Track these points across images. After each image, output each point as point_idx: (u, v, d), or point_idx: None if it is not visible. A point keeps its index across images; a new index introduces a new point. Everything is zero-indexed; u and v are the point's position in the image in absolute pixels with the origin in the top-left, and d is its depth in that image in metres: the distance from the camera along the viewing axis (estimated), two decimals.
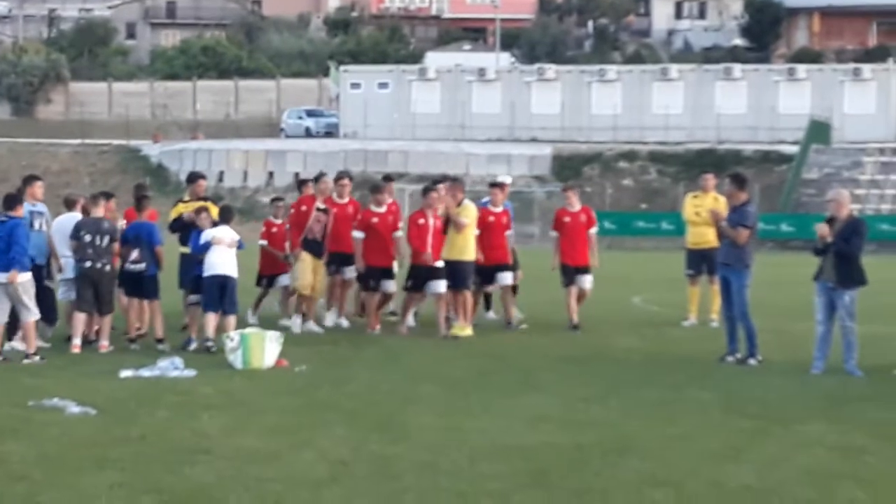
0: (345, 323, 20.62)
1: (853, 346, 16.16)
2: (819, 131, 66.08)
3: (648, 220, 60.22)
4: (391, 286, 20.11)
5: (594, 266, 20.91)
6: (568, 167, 67.19)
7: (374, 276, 19.75)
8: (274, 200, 22.21)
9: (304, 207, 19.91)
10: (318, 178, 20.68)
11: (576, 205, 20.94)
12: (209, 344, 17.21)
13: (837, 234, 16.01)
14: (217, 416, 12.41)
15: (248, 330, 16.51)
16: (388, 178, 22.12)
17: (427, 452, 10.85)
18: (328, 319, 20.57)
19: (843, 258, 16.01)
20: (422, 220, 19.34)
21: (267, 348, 16.00)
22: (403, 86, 75.46)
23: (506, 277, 20.52)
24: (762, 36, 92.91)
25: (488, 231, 20.15)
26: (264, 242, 21.00)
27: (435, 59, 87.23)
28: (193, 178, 20.35)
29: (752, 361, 16.90)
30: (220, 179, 69.74)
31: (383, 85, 75.79)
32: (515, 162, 69.17)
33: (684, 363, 16.97)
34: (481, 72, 74.96)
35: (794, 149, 65.20)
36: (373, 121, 73.53)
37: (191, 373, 15.18)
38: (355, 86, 76.08)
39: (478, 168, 67.88)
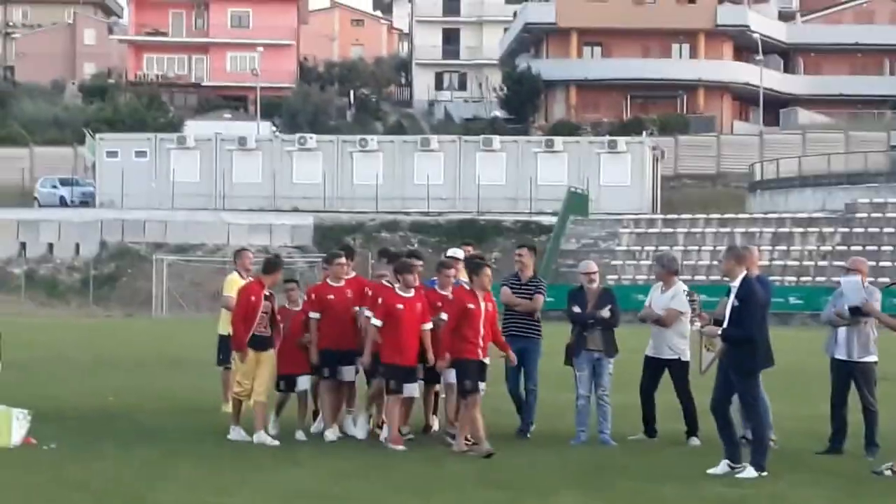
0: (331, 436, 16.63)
1: (608, 416, 16.41)
2: (576, 202, 67.54)
3: None
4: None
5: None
6: (330, 237, 67.16)
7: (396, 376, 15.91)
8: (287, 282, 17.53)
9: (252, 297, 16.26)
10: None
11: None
12: None
13: (595, 305, 16.33)
14: None
15: None
16: (413, 254, 17.76)
17: None
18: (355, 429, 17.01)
19: (609, 328, 16.36)
20: (472, 305, 15.61)
21: (14, 426, 15.44)
22: (162, 154, 74.54)
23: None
24: (521, 108, 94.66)
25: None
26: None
27: (194, 128, 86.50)
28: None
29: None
30: None
31: (141, 153, 74.67)
32: (277, 232, 68.99)
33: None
34: (242, 140, 74.56)
35: (552, 219, 66.44)
36: (130, 190, 72.35)
37: None
38: (112, 154, 74.76)
39: (239, 238, 67.43)
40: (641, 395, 16.82)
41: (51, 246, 69.58)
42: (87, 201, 75.18)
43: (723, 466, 13.76)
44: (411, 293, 15.83)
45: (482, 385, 15.55)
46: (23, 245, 69.34)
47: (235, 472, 13.53)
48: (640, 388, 16.84)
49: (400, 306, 15.69)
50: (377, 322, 15.78)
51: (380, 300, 15.89)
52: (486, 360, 15.57)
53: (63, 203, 74.96)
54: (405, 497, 12.19)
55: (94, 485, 12.69)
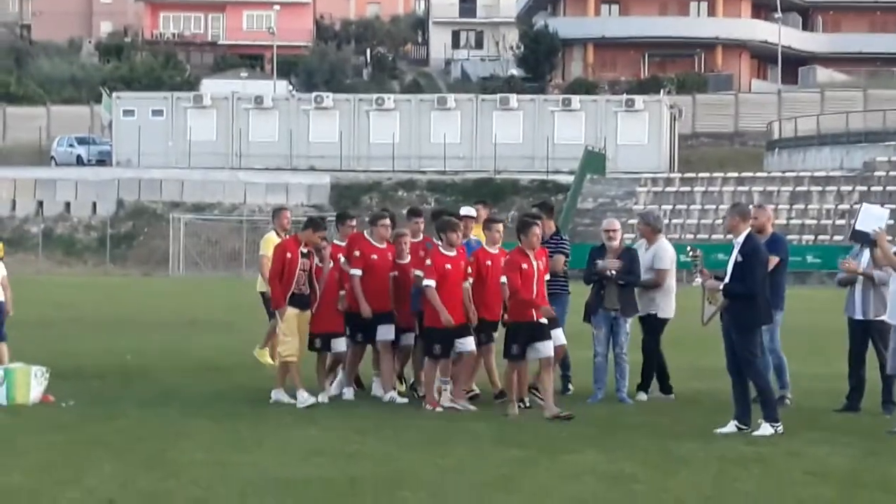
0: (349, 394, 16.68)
1: (626, 374, 16.42)
2: (593, 161, 67.38)
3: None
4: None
5: None
6: (347, 196, 67.23)
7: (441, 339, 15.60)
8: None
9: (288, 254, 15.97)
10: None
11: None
12: None
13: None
14: None
15: (12, 365, 15.98)
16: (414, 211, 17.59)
17: (197, 488, 10.60)
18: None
19: (625, 286, 16.31)
20: (525, 265, 15.16)
21: (33, 383, 15.53)
22: (178, 113, 74.49)
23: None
24: (538, 66, 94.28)
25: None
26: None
27: (211, 86, 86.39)
28: None
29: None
30: None
31: (158, 112, 74.63)
32: (293, 191, 68.96)
33: None
34: (258, 99, 74.47)
35: (569, 178, 66.32)
36: (147, 148, 72.37)
37: None
38: (128, 113, 74.74)
39: (255, 197, 67.56)
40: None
41: (68, 205, 69.69)
42: (103, 160, 75.22)
43: (731, 426, 13.79)
44: (454, 252, 15.59)
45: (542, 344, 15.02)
46: (40, 204, 69.46)
47: (253, 431, 13.57)
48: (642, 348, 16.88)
49: (448, 266, 15.43)
50: (431, 282, 15.38)
51: (428, 261, 15.59)
52: (544, 320, 15.04)
53: (80, 162, 75.02)
54: (421, 455, 12.22)
55: (113, 443, 12.75)
